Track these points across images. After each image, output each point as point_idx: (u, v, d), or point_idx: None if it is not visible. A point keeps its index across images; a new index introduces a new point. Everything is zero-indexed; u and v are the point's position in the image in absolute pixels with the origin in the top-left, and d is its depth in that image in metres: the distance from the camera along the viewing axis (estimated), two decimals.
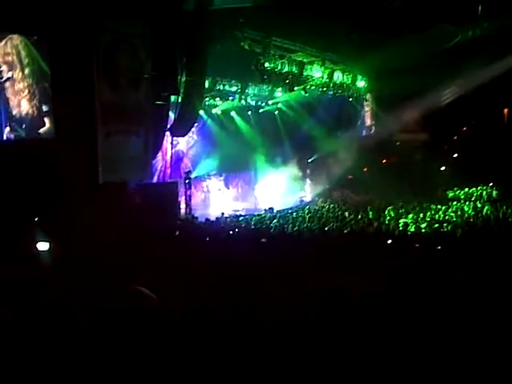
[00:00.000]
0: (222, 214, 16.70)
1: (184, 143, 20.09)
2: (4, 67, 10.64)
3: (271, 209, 18.08)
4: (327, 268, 8.17)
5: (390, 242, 11.26)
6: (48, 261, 8.41)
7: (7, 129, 10.93)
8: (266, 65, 15.87)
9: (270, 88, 19.69)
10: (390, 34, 16.33)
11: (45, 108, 11.17)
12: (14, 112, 10.92)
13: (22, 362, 4.50)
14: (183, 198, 17.67)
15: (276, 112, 22.56)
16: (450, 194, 18.27)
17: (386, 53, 16.90)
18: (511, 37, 16.42)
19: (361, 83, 21.34)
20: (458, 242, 11.35)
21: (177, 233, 12.31)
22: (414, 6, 15.21)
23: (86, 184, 10.62)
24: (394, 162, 22.09)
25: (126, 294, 4.82)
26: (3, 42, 10.56)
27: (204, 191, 20.31)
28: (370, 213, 15.83)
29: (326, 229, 13.64)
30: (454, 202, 16.80)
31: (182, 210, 17.28)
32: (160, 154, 16.24)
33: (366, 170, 21.39)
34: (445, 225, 13.48)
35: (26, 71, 10.96)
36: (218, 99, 19.59)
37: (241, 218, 16.48)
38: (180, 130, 14.94)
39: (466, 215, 14.61)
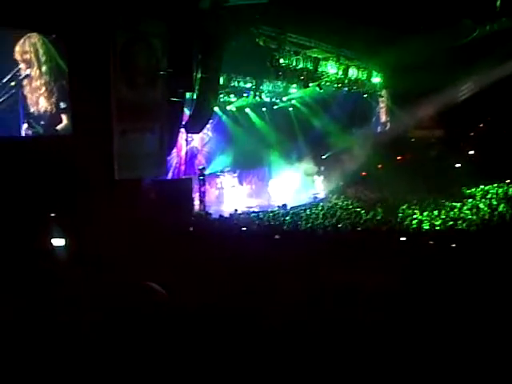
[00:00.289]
0: (236, 210, 16.79)
1: (199, 140, 20.20)
2: (22, 65, 10.79)
3: (285, 205, 18.12)
4: (340, 265, 8.18)
5: (403, 239, 11.24)
6: (64, 256, 8.55)
7: (25, 125, 11.09)
8: (281, 61, 15.85)
9: (284, 84, 19.68)
10: (406, 30, 16.20)
11: (62, 105, 11.32)
12: (32, 109, 11.07)
13: (34, 356, 4.60)
14: (197, 194, 17.81)
15: (290, 108, 22.55)
16: (466, 192, 18.11)
17: (401, 49, 16.79)
18: None
19: (376, 79, 21.23)
20: (472, 240, 11.29)
21: (191, 229, 12.42)
22: (431, 2, 15.08)
23: (102, 180, 10.75)
24: (408, 159, 21.95)
25: (136, 289, 4.90)
26: (21, 40, 10.71)
27: (218, 188, 20.41)
28: (384, 210, 15.79)
29: (340, 226, 13.66)
30: (470, 200, 16.67)
31: (196, 207, 17.41)
32: (175, 150, 16.36)
33: (380, 166, 21.30)
34: (459, 222, 13.42)
35: (44, 69, 11.11)
36: (232, 96, 19.65)
37: (254, 215, 16.56)
38: (195, 126, 15.03)
39: (482, 213, 14.49)
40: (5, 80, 10.51)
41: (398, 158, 22.21)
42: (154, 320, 4.97)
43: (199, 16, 12.65)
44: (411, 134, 22.37)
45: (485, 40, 16.81)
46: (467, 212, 14.71)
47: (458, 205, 15.99)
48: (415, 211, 15.44)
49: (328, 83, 19.11)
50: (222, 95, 18.51)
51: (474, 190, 18.13)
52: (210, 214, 16.63)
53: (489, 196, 16.92)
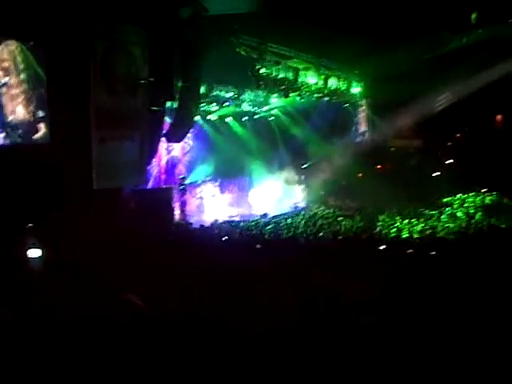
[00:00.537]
0: (216, 220, 16.72)
1: (179, 149, 20.09)
2: (0, 73, 10.64)
3: (266, 215, 18.12)
4: (321, 274, 8.20)
5: (383, 247, 11.31)
6: (41, 267, 8.40)
7: (2, 134, 10.91)
8: (262, 71, 15.92)
9: (265, 94, 19.75)
10: (385, 41, 16.44)
11: (41, 114, 11.17)
12: (10, 118, 10.91)
13: (13, 366, 4.50)
14: (178, 203, 17.69)
15: (271, 118, 22.62)
16: (444, 200, 18.34)
17: (380, 59, 17.03)
18: (504, 43, 16.56)
19: (356, 89, 21.46)
20: (450, 248, 11.41)
21: (171, 238, 12.33)
22: (408, 13, 15.32)
23: (81, 189, 10.62)
24: (388, 168, 22.18)
25: (114, 301, 4.85)
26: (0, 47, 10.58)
27: (199, 197, 20.30)
28: (364, 219, 15.89)
29: (321, 234, 13.70)
30: (448, 208, 16.88)
31: (177, 216, 17.29)
32: (155, 159, 16.25)
33: (360, 175, 21.46)
34: (438, 230, 13.57)
35: (22, 77, 10.95)
36: (213, 105, 19.62)
37: (235, 224, 16.51)
38: (176, 135, 14.95)
39: (459, 221, 14.69)
40: None
41: (378, 167, 22.42)
42: (131, 330, 4.90)
43: (179, 25, 12.64)
44: (391, 143, 22.61)
45: (461, 51, 17.16)
46: (446, 220, 14.89)
47: (437, 213, 16.18)
48: (395, 219, 15.58)
49: (308, 93, 19.25)
50: (203, 104, 18.49)
51: (451, 198, 18.39)
52: (191, 223, 16.54)
53: (466, 205, 17.17)
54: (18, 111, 11.03)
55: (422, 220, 15.24)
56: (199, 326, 5.68)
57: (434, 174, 20.69)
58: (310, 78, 18.47)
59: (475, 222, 14.23)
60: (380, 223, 15.16)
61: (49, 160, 10.27)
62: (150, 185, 16.28)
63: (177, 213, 17.32)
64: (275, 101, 20.75)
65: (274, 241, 13.26)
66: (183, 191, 18.16)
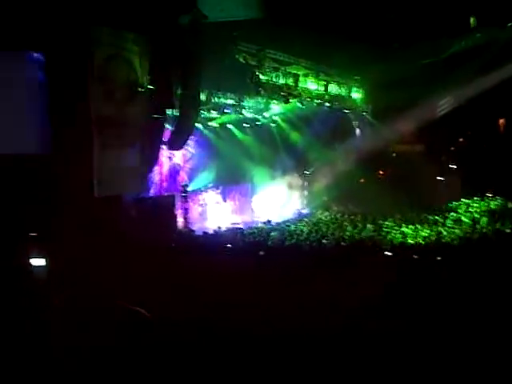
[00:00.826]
0: (220, 227, 16.63)
1: (181, 156, 20.04)
2: None
3: (269, 221, 18.03)
4: (325, 280, 8.11)
5: (388, 253, 11.22)
6: (43, 276, 8.33)
7: None
8: (261, 77, 15.92)
9: (265, 100, 19.73)
10: (385, 47, 16.43)
11: None
12: None
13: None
14: (180, 211, 17.61)
15: (272, 124, 22.59)
16: (448, 205, 18.24)
17: (381, 65, 17.01)
18: (504, 47, 16.54)
19: (356, 95, 21.44)
20: (455, 253, 11.31)
21: (173, 245, 12.27)
22: (407, 19, 15.31)
23: (82, 197, 10.55)
24: (391, 174, 22.11)
25: (116, 310, 4.78)
26: None
27: (201, 204, 20.22)
28: (368, 224, 15.79)
29: (324, 241, 13.59)
30: (452, 213, 16.78)
31: (179, 224, 17.21)
32: (157, 167, 16.20)
33: (363, 181, 21.39)
34: (444, 235, 13.47)
35: None
36: (214, 112, 19.60)
37: (238, 231, 16.41)
38: (176, 143, 14.91)
39: (464, 226, 14.58)
40: None
41: (381, 172, 22.35)
42: (135, 339, 4.82)
43: (179, 32, 12.63)
44: (393, 148, 22.56)
45: (462, 55, 17.14)
46: (450, 225, 14.79)
47: (441, 218, 16.08)
48: (399, 225, 15.48)
49: (309, 99, 19.22)
50: (203, 111, 18.46)
51: (455, 203, 18.29)
52: (194, 231, 16.45)
53: (471, 209, 17.06)
54: None
55: (426, 225, 15.13)
56: (203, 333, 5.60)
57: (437, 179, 20.62)
58: (310, 84, 18.45)
59: (480, 227, 14.12)
60: (384, 229, 15.06)
61: (50, 168, 10.21)
62: (151, 192, 16.22)
63: (179, 220, 17.24)
64: (275, 107, 20.75)
65: (277, 247, 13.16)
66: (185, 198, 18.08)
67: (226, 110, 19.38)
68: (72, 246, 9.35)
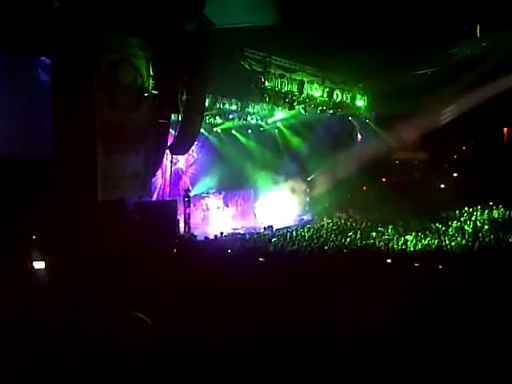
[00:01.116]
0: (221, 233, 16.66)
1: (184, 161, 20.13)
2: None
3: (271, 227, 18.03)
4: (326, 287, 8.11)
5: (389, 260, 11.21)
6: (45, 279, 8.34)
7: None
8: (266, 84, 15.95)
9: (269, 106, 19.78)
10: (389, 54, 16.44)
11: None
12: None
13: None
14: (182, 216, 17.65)
15: (276, 130, 22.64)
16: (450, 213, 18.22)
17: (384, 73, 17.01)
18: (509, 55, 16.54)
19: (360, 102, 21.47)
20: (457, 261, 11.29)
21: (175, 250, 12.27)
22: (412, 26, 15.33)
23: (85, 201, 10.59)
24: (393, 181, 22.10)
25: (118, 318, 4.78)
26: None
27: (203, 209, 20.27)
28: (370, 231, 15.79)
29: (326, 247, 13.60)
30: (454, 222, 16.76)
31: (181, 229, 17.24)
32: (160, 171, 16.25)
33: (365, 188, 21.38)
34: (446, 243, 13.45)
35: None
36: (218, 117, 19.68)
37: (240, 237, 16.43)
38: (180, 148, 14.97)
39: (467, 235, 14.56)
40: None
41: (383, 179, 22.35)
42: (137, 346, 4.83)
43: (185, 38, 12.69)
44: (395, 156, 22.57)
45: (466, 63, 17.13)
46: (452, 233, 14.78)
47: (443, 227, 16.06)
48: (401, 233, 15.47)
49: (313, 106, 19.26)
50: (207, 117, 18.53)
51: (458, 211, 18.26)
52: (195, 236, 16.48)
53: (473, 218, 17.04)
54: None
55: (428, 233, 15.12)
56: (204, 339, 5.60)
57: (439, 187, 20.61)
58: (315, 91, 18.48)
59: (482, 236, 14.10)
60: (386, 236, 15.05)
61: (53, 172, 10.26)
62: (154, 197, 16.27)
63: (181, 225, 17.27)
64: (280, 113, 20.80)
65: (278, 253, 13.16)
66: (187, 203, 18.13)
67: (230, 116, 19.48)
68: (73, 250, 9.38)
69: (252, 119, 20.82)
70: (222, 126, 20.77)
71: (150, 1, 11.12)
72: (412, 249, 13.32)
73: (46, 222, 9.95)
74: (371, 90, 20.77)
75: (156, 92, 12.61)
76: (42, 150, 10.87)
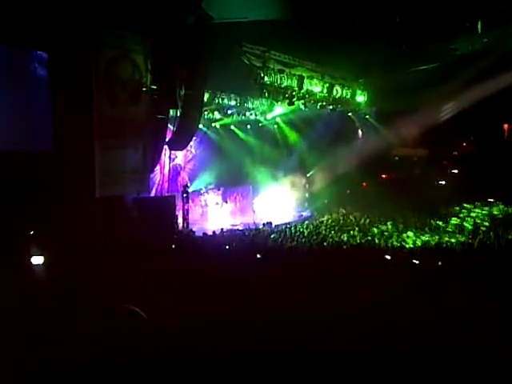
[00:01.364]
0: (222, 229, 16.62)
1: (182, 157, 20.08)
2: None
3: (270, 223, 18.00)
4: (325, 283, 8.09)
5: (388, 257, 11.19)
6: (43, 275, 8.32)
7: None
8: (266, 79, 15.87)
9: (269, 102, 19.71)
10: (389, 50, 16.37)
11: None
12: None
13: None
14: (181, 212, 17.61)
15: (275, 126, 22.58)
16: (450, 210, 18.19)
17: (385, 69, 16.95)
18: (509, 51, 16.47)
19: (360, 98, 21.40)
20: (457, 258, 11.27)
21: (173, 246, 12.25)
22: (414, 22, 15.26)
23: (83, 197, 10.55)
24: (393, 177, 22.07)
25: (115, 312, 4.75)
26: None
27: (202, 205, 20.23)
28: (369, 228, 15.77)
29: (325, 244, 13.56)
30: (454, 218, 16.73)
31: (180, 224, 17.20)
32: (158, 167, 16.20)
33: (365, 184, 21.35)
34: (445, 240, 13.43)
35: None
36: (216, 113, 19.61)
37: (238, 233, 16.39)
38: (178, 143, 14.91)
39: (466, 231, 14.54)
40: None
41: (383, 176, 22.30)
42: (133, 341, 4.81)
43: (184, 33, 12.62)
44: (395, 152, 22.52)
45: (467, 59, 17.06)
46: (452, 230, 14.76)
47: (443, 223, 16.04)
48: (400, 229, 15.45)
49: (312, 101, 19.18)
50: (206, 112, 18.46)
51: (458, 208, 18.24)
52: (194, 232, 16.44)
53: (473, 215, 17.01)
54: None
55: (427, 230, 15.09)
56: (202, 335, 5.59)
57: (439, 184, 20.58)
58: (315, 86, 18.40)
59: (482, 233, 14.07)
60: (385, 233, 15.03)
61: (51, 167, 10.22)
62: (152, 193, 16.22)
63: (180, 221, 17.23)
64: (279, 109, 20.73)
65: (277, 250, 13.13)
66: (186, 199, 18.08)
67: (229, 111, 19.40)
68: (72, 246, 9.36)
69: (251, 115, 20.75)
70: (221, 122, 20.70)
71: None
72: (411, 245, 13.30)
73: (44, 217, 9.92)
74: (371, 85, 20.69)
75: (154, 87, 12.55)
76: (40, 145, 10.81)
